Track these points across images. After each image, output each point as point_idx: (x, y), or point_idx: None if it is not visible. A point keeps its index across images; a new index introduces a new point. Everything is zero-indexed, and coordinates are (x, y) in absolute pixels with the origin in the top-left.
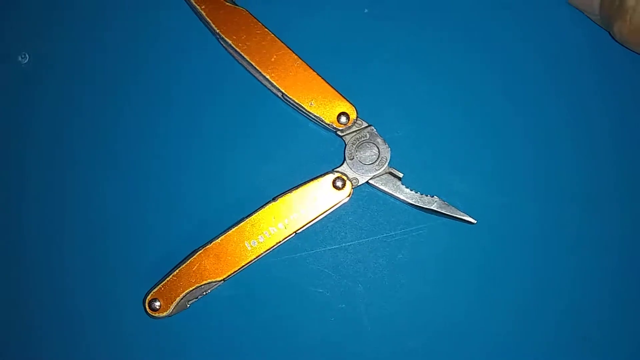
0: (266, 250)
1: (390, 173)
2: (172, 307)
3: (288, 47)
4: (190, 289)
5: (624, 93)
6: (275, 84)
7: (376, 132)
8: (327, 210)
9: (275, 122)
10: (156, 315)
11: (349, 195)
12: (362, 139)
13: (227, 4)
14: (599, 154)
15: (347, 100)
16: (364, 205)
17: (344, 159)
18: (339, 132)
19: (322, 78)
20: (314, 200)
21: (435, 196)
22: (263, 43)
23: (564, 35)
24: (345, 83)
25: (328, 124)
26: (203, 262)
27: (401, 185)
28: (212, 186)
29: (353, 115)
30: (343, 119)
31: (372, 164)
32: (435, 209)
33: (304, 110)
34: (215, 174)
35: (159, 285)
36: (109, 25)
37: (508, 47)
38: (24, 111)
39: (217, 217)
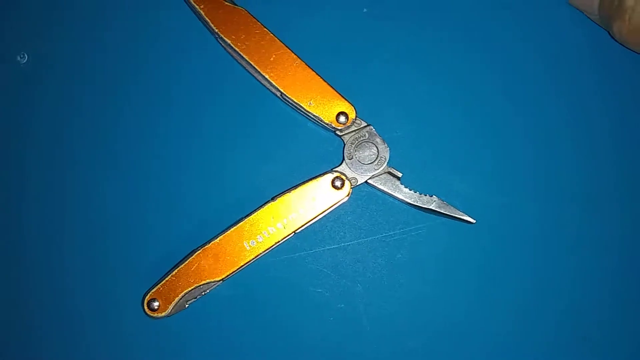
0: (265, 250)
1: (389, 173)
2: (170, 307)
3: (287, 46)
4: (189, 289)
5: (623, 93)
6: (274, 83)
7: (375, 132)
8: (326, 210)
9: (275, 121)
10: (155, 315)
11: (347, 195)
12: (361, 138)
13: (226, 3)
14: (599, 154)
15: (346, 100)
16: (363, 205)
17: (343, 159)
18: (337, 132)
19: (321, 77)
20: (313, 200)
21: (434, 196)
22: (262, 43)
23: (564, 35)
24: (344, 83)
25: (327, 124)
26: (202, 262)
27: (400, 185)
28: (212, 186)
29: (352, 115)
30: (342, 118)
31: (371, 163)
32: (434, 208)
33: (303, 110)
34: (215, 173)
35: (158, 286)
36: (108, 25)
37: (507, 47)
38: (23, 111)
39: (216, 216)
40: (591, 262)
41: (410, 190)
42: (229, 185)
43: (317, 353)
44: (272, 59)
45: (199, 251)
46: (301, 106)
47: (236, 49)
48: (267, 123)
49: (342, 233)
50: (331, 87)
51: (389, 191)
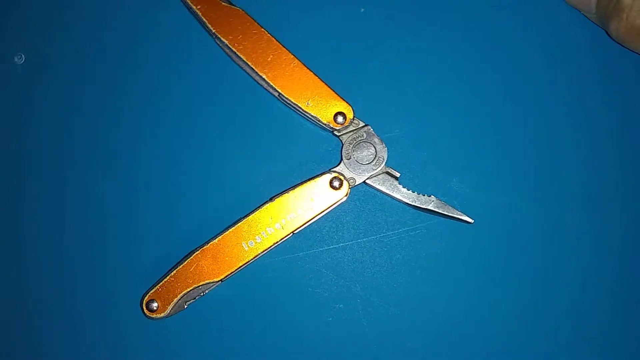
0: (263, 251)
1: (388, 173)
2: (169, 308)
3: (284, 46)
4: (188, 289)
5: (623, 92)
6: (271, 83)
7: (373, 132)
8: (324, 210)
9: (272, 122)
10: (154, 316)
11: (346, 195)
12: (359, 138)
13: (223, 3)
14: (598, 154)
15: (344, 100)
16: (362, 205)
17: (341, 159)
18: (335, 132)
19: (319, 78)
20: (311, 201)
21: (432, 196)
22: (259, 43)
23: (562, 35)
24: (341, 83)
25: (325, 124)
26: (200, 263)
27: (398, 185)
28: (210, 186)
29: (350, 115)
30: (340, 118)
31: (369, 163)
32: (432, 208)
33: (300, 110)
34: (213, 174)
35: (157, 286)
36: (106, 26)
37: (505, 47)
38: (21, 113)
39: (215, 217)
40: (590, 262)
41: (408, 190)
42: (228, 185)
43: (316, 353)
44: (269, 59)
45: (198, 252)
46: (299, 106)
47: (233, 49)
48: (265, 123)
49: (340, 233)
50: (329, 87)
51: (387, 191)
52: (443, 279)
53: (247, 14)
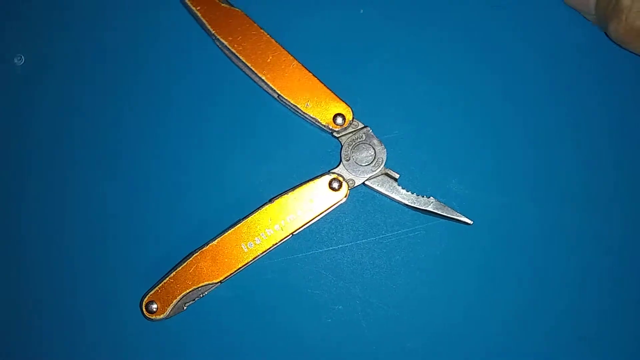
0: (263, 252)
1: (387, 174)
2: (169, 309)
3: (284, 48)
4: (187, 291)
5: (622, 92)
6: (271, 85)
7: (372, 133)
8: (323, 212)
9: (272, 123)
10: (153, 317)
11: (345, 197)
12: (358, 140)
13: (223, 5)
14: (598, 154)
15: (343, 102)
16: (361, 207)
17: (340, 160)
18: (335, 133)
19: (318, 79)
20: (311, 202)
21: (431, 197)
22: (259, 44)
23: (562, 35)
24: (340, 84)
25: (324, 125)
26: (199, 264)
27: (397, 186)
28: (209, 187)
29: (349, 117)
30: (339, 120)
31: (368, 165)
32: (431, 209)
33: (300, 112)
34: (212, 175)
35: (156, 288)
36: (106, 27)
37: (505, 47)
38: (21, 114)
39: (214, 218)
40: (590, 262)
41: (407, 191)
42: (227, 186)
43: (315, 354)
44: (268, 60)
45: (197, 253)
46: (298, 108)
47: (233, 50)
48: (265, 125)
49: (339, 234)
50: (328, 88)
51: (387, 192)
52: (442, 280)
53: (246, 15)
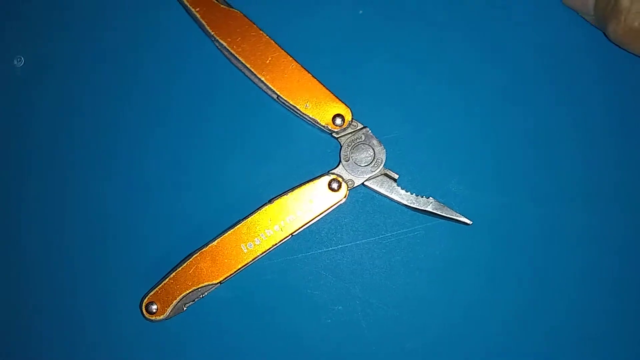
0: (262, 253)
1: (386, 174)
2: (168, 310)
3: (283, 49)
4: (187, 292)
5: (622, 92)
6: (270, 86)
7: (371, 134)
8: (323, 212)
9: (271, 124)
10: (153, 318)
11: (345, 197)
12: (358, 140)
13: (222, 6)
14: (598, 154)
15: (342, 102)
16: (360, 207)
17: (340, 161)
18: (334, 134)
19: (317, 80)
20: (310, 202)
21: (430, 197)
22: (258, 45)
23: (561, 36)
24: (340, 85)
25: (323, 126)
26: (199, 265)
27: (397, 187)
28: (209, 188)
29: (348, 117)
30: (338, 120)
31: (367, 165)
32: (431, 210)
33: (299, 112)
34: (212, 176)
35: (156, 289)
36: (105, 28)
37: (504, 48)
38: (21, 116)
39: (214, 219)
40: (590, 262)
41: (407, 191)
42: (226, 187)
43: (315, 355)
44: (268, 61)
45: (197, 254)
46: (297, 108)
47: (232, 51)
48: (264, 125)
49: (339, 235)
50: (327, 89)
51: (386, 193)
52: (442, 281)
53: (245, 16)
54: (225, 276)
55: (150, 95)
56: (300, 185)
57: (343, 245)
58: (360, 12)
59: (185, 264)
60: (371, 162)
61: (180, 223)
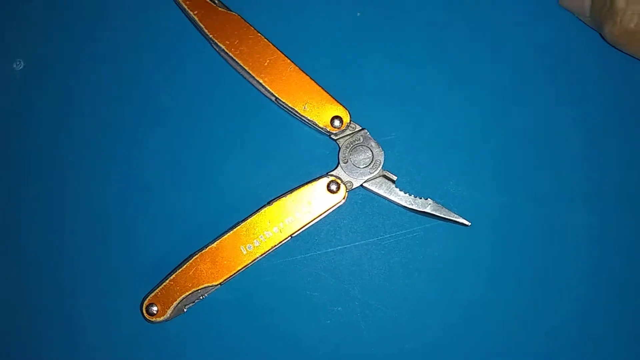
0: (262, 254)
1: (384, 176)
2: (169, 311)
3: (281, 51)
4: (187, 293)
5: (621, 92)
6: (268, 88)
7: (370, 135)
8: (322, 214)
9: (270, 126)
10: (153, 320)
11: (343, 199)
12: (356, 142)
13: (220, 9)
14: (597, 154)
15: (341, 104)
16: (359, 209)
17: (338, 163)
18: (332, 136)
19: (316, 82)
20: (309, 204)
21: (429, 199)
22: (256, 47)
23: (560, 36)
24: (338, 87)
25: (322, 128)
26: (199, 267)
27: (395, 188)
28: (208, 190)
29: (346, 119)
30: (336, 122)
31: (366, 167)
32: (429, 211)
33: (297, 114)
34: (211, 177)
35: (156, 290)
36: (105, 28)
37: (503, 48)
38: (20, 118)
39: (213, 220)
40: (590, 262)
41: (405, 193)
42: (225, 189)
43: (314, 356)
44: (266, 63)
45: (196, 256)
46: (296, 110)
47: (230, 54)
48: (263, 127)
49: (338, 236)
50: (325, 91)
51: (385, 194)
52: (441, 282)
53: (243, 19)
54: (225, 278)
55: (149, 95)
56: (299, 187)
57: (342, 247)
58: (358, 14)
59: (185, 266)
60: (370, 164)
61: (180, 224)
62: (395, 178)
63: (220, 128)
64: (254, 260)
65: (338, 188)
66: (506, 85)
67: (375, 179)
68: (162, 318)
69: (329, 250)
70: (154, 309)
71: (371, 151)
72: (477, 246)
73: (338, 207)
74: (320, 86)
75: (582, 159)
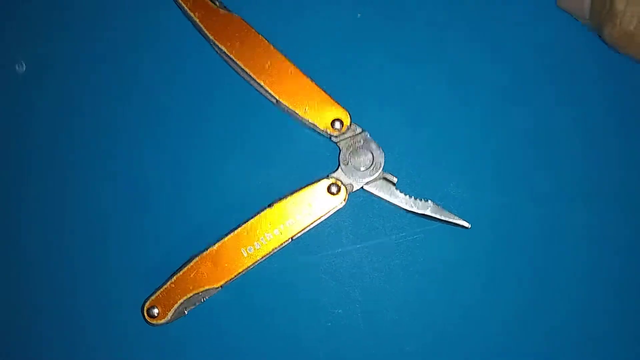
0: (262, 257)
1: (385, 178)
2: (170, 314)
3: (282, 53)
4: (188, 295)
5: (621, 92)
6: (269, 90)
7: (370, 138)
8: (322, 216)
9: (270, 128)
10: (154, 322)
11: (344, 201)
12: (356, 144)
13: (221, 10)
14: (597, 155)
15: (341, 106)
16: (360, 211)
17: (339, 165)
18: (333, 138)
19: (316, 84)
20: (310, 206)
21: (429, 200)
22: (257, 49)
23: (560, 37)
24: (339, 89)
25: (322, 130)
26: (200, 269)
27: (395, 191)
28: (209, 192)
29: (347, 121)
30: (337, 124)
31: (366, 169)
32: (429, 214)
33: (298, 117)
34: (212, 179)
35: (157, 293)
36: (105, 29)
37: (502, 49)
38: (21, 120)
39: (213, 222)
40: (590, 263)
41: (405, 195)
42: (226, 191)
43: (315, 357)
44: (267, 65)
45: (197, 258)
46: (296, 113)
47: (231, 56)
48: (263, 129)
49: (339, 239)
50: (326, 93)
51: (385, 197)
52: (441, 284)
53: (244, 20)
54: (226, 280)
55: (150, 96)
56: (300, 189)
57: (342, 249)
58: (359, 15)
59: (186, 268)
60: (370, 166)
61: (181, 226)
62: (395, 180)
63: (220, 129)
64: (255, 262)
65: (338, 190)
66: (506, 85)
67: (375, 182)
68: (163, 320)
69: (330, 252)
70: (155, 311)
71: (372, 153)
72: (478, 248)
73: (338, 209)
74: (320, 88)
75: (582, 159)
